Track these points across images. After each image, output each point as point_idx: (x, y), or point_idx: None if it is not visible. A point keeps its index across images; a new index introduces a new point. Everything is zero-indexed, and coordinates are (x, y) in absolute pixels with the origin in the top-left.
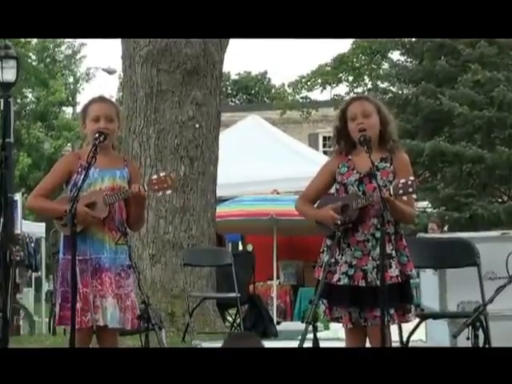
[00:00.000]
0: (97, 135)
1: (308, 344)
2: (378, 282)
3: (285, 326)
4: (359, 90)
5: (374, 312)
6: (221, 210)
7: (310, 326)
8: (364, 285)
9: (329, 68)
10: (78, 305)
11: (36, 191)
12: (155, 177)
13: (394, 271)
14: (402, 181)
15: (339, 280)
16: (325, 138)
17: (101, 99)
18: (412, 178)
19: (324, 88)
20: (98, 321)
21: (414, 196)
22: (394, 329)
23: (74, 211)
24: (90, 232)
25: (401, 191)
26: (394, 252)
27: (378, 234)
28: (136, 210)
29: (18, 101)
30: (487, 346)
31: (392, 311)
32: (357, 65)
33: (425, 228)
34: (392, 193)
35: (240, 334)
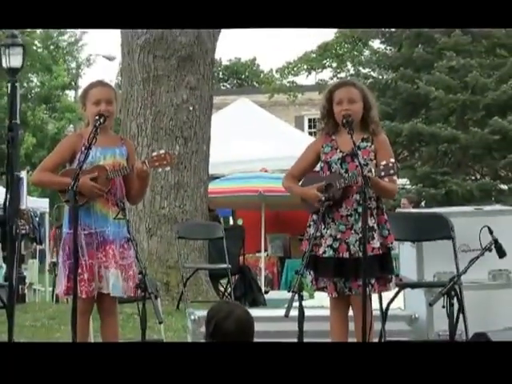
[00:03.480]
0: (97, 117)
1: (294, 312)
2: (361, 254)
3: (272, 295)
4: (342, 75)
5: (357, 282)
6: (213, 186)
7: (296, 295)
8: (348, 256)
9: (314, 55)
10: (85, 275)
11: (41, 167)
12: (155, 154)
13: (375, 243)
14: (383, 163)
15: (324, 252)
16: (310, 120)
17: (101, 83)
18: (393, 160)
19: (309, 73)
20: (102, 288)
21: (394, 177)
22: (375, 298)
23: (76, 188)
24: (95, 207)
25: (382, 173)
26: (375, 225)
27: (360, 209)
28: (139, 185)
29: (24, 85)
30: (461, 314)
31: (373, 281)
32: (340, 52)
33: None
34: (374, 174)
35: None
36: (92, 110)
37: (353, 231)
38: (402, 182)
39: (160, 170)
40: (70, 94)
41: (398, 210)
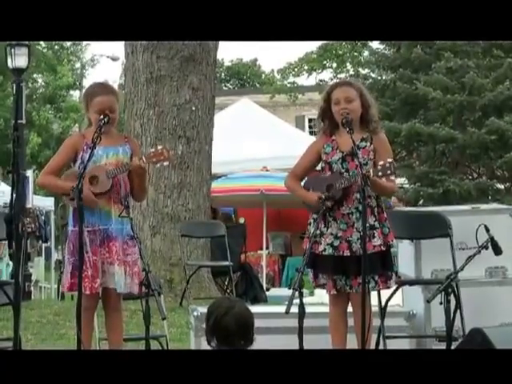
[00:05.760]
0: (101, 117)
1: (294, 308)
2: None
3: (273, 292)
4: (342, 75)
5: (358, 279)
6: (215, 185)
7: (297, 292)
8: (349, 254)
9: (314, 55)
10: (89, 272)
11: (46, 170)
12: (152, 150)
13: (377, 241)
14: (381, 163)
15: (324, 250)
16: (310, 120)
17: (104, 91)
18: (390, 160)
19: (310, 74)
20: (105, 283)
21: (393, 177)
22: (373, 294)
23: (81, 187)
24: (98, 205)
25: (380, 173)
26: (376, 223)
27: (361, 207)
28: (138, 181)
29: (30, 85)
30: (458, 310)
31: (377, 277)
32: (340, 52)
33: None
34: (372, 175)
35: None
36: (95, 118)
37: (354, 229)
38: (400, 181)
39: (158, 165)
40: (75, 94)
41: (397, 208)
